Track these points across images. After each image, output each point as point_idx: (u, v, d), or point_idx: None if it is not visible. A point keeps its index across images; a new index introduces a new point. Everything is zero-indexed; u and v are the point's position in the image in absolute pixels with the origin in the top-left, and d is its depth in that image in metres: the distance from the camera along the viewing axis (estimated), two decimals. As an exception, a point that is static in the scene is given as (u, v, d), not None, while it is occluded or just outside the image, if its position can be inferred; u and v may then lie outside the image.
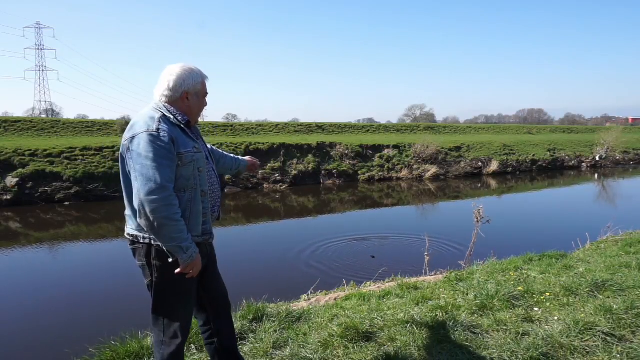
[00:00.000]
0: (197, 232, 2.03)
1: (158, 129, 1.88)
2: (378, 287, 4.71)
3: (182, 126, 2.02)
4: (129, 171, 1.91)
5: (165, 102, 2.04)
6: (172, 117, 1.99)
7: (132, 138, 1.88)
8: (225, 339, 2.35)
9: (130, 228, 2.05)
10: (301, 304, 4.15)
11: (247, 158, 2.75)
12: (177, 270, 1.94)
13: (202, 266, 2.08)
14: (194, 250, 1.93)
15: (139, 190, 1.83)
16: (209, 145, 2.47)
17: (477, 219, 6.10)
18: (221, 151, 2.61)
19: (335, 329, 2.95)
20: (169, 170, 1.87)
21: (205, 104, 2.17)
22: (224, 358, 2.36)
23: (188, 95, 2.04)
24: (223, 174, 2.63)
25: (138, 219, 1.88)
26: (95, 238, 10.54)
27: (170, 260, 1.96)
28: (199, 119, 2.24)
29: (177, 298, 2.05)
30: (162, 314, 2.07)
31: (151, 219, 1.82)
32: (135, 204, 1.85)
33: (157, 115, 1.95)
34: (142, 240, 2.00)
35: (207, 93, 2.15)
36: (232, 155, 2.66)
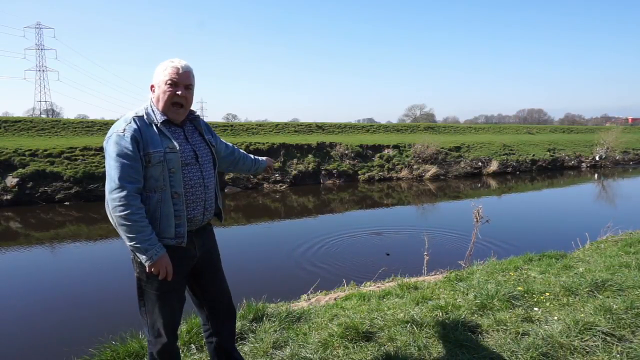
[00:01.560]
0: (169, 235, 1.99)
1: (124, 130, 1.91)
2: (378, 287, 4.71)
3: (159, 125, 2.00)
4: None
5: (152, 100, 2.07)
6: (146, 116, 2.00)
7: (108, 138, 1.94)
8: (224, 341, 2.35)
9: None
10: (301, 304, 4.15)
11: (264, 159, 2.75)
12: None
13: (189, 262, 2.10)
14: (154, 252, 1.90)
15: (106, 187, 1.92)
16: (229, 144, 2.50)
17: (477, 219, 6.10)
18: (243, 152, 2.63)
19: (335, 329, 2.95)
20: (132, 170, 1.89)
21: (171, 91, 1.98)
22: (222, 357, 2.37)
23: (154, 87, 2.05)
24: (240, 173, 2.65)
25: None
26: (95, 238, 10.54)
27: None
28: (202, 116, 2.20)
29: (158, 296, 2.03)
30: (145, 311, 2.09)
31: (112, 216, 1.90)
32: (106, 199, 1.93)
33: (132, 115, 1.99)
34: None
35: (171, 80, 1.98)
36: (252, 156, 2.68)
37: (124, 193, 1.85)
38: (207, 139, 2.20)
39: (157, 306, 2.04)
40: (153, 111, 2.02)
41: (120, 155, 1.88)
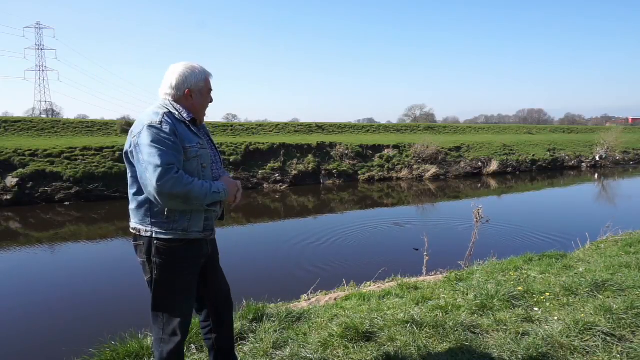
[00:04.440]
0: (198, 228, 2.05)
1: (161, 122, 1.93)
2: (378, 287, 4.71)
3: (188, 123, 2.05)
4: (136, 163, 1.94)
5: (171, 100, 2.08)
6: (177, 113, 2.04)
7: (140, 132, 1.92)
8: (222, 339, 2.36)
9: (133, 222, 2.06)
10: (301, 304, 4.15)
11: (223, 179, 2.19)
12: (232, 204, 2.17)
13: (203, 259, 2.16)
14: (221, 186, 2.05)
15: (150, 179, 1.84)
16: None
17: (477, 218, 6.11)
18: None
19: (335, 329, 2.95)
20: (174, 157, 1.89)
21: (211, 100, 2.20)
22: (219, 356, 2.39)
23: (192, 93, 2.08)
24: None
25: (164, 205, 1.91)
26: (95, 238, 10.54)
27: (168, 257, 2.01)
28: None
29: (176, 295, 2.06)
30: (162, 310, 2.07)
31: (176, 197, 1.86)
32: (152, 193, 1.85)
33: (162, 111, 2.00)
34: (143, 234, 2.01)
35: (210, 89, 2.18)
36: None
37: (174, 170, 1.85)
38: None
39: (175, 305, 2.07)
40: (175, 108, 2.06)
41: (163, 144, 1.87)
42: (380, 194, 17.49)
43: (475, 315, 3.20)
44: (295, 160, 19.57)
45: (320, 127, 28.59)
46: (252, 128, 25.81)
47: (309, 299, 4.51)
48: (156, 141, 1.86)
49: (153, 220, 1.99)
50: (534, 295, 3.51)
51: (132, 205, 2.05)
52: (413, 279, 4.81)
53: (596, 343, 2.60)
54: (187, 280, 2.08)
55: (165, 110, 2.01)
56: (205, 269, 2.24)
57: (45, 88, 69.69)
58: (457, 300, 3.53)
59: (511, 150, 26.27)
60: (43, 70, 64.41)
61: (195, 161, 2.01)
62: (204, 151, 2.07)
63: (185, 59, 2.15)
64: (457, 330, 2.88)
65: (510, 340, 2.71)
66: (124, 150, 2.02)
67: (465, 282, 4.06)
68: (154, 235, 1.99)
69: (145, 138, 1.87)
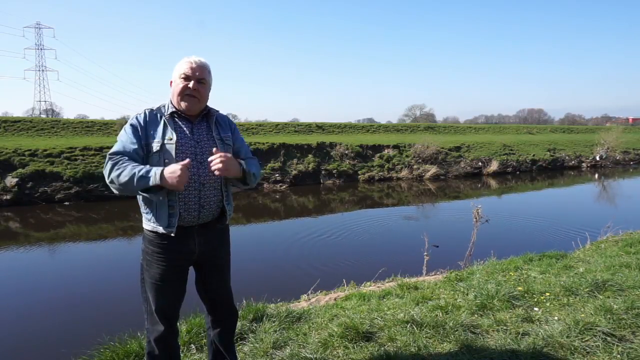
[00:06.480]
0: (163, 223, 2.03)
1: (136, 117, 2.07)
2: (378, 287, 4.71)
3: (167, 116, 2.07)
4: None
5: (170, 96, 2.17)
6: (158, 109, 2.11)
7: None
8: (221, 343, 2.36)
9: None
10: (301, 304, 4.15)
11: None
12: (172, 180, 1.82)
13: (184, 256, 2.10)
14: (154, 170, 1.85)
15: None
16: (247, 153, 2.28)
17: (476, 218, 6.10)
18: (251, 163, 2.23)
19: (335, 329, 2.95)
20: (121, 147, 1.98)
21: (184, 84, 2.04)
22: (218, 355, 2.39)
23: (172, 83, 2.12)
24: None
25: (113, 190, 2.01)
26: (95, 238, 10.53)
27: (149, 246, 2.08)
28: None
29: (154, 285, 2.09)
30: (144, 298, 2.16)
31: (111, 182, 1.93)
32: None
33: (148, 108, 2.12)
34: (142, 224, 2.14)
35: (183, 73, 2.04)
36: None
37: (112, 159, 1.94)
38: (221, 137, 2.15)
39: (153, 294, 2.10)
40: (167, 105, 2.12)
41: (120, 137, 2.03)
42: (380, 194, 17.49)
43: (475, 315, 3.19)
44: (295, 160, 19.57)
45: (320, 127, 28.60)
46: (252, 128, 25.81)
47: (309, 299, 4.50)
48: (120, 134, 2.04)
49: (142, 210, 2.12)
50: (534, 295, 3.51)
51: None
52: (413, 279, 4.81)
53: (596, 343, 2.60)
54: (158, 273, 2.07)
55: (152, 108, 2.12)
56: (204, 272, 2.22)
57: (45, 88, 69.70)
58: (457, 300, 3.52)
59: (511, 150, 26.27)
60: (43, 70, 64.53)
61: (157, 156, 2.00)
62: (170, 146, 2.00)
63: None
64: (457, 330, 2.88)
65: (511, 341, 2.71)
66: None
67: (465, 282, 4.06)
68: (143, 225, 2.12)
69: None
